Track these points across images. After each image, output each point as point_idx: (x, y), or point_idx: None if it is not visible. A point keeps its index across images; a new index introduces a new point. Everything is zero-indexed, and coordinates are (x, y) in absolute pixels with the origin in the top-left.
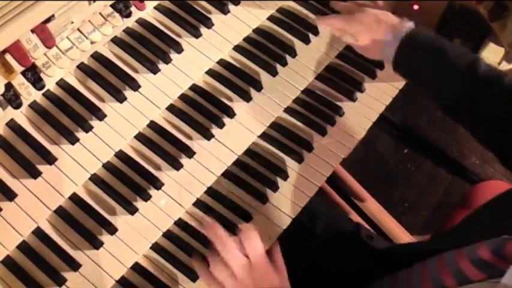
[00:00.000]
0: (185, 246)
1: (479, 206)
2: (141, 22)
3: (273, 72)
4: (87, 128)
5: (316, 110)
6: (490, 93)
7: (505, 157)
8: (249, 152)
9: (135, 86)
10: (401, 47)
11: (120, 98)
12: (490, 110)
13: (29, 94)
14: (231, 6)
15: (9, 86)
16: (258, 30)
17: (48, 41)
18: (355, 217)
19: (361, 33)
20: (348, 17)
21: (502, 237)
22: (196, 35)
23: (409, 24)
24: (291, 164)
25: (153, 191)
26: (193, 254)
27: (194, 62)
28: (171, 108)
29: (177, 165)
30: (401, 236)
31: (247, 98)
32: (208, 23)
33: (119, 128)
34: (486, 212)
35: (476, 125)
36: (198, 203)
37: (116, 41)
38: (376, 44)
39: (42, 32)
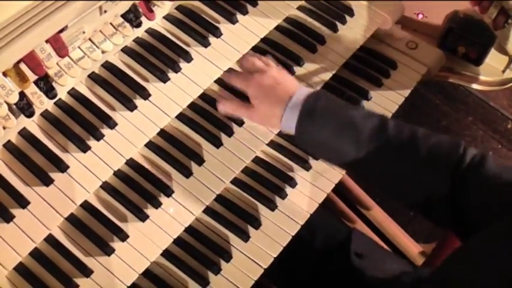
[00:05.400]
0: (195, 252)
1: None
2: (151, 32)
3: None
4: (99, 136)
5: None
6: (402, 153)
7: (431, 215)
8: (257, 159)
9: (145, 94)
10: (301, 119)
11: (131, 107)
12: (405, 169)
13: (41, 103)
14: (239, 16)
15: (22, 95)
16: (265, 40)
17: (61, 50)
18: (360, 225)
19: (258, 97)
20: (247, 77)
21: None
22: (205, 44)
23: (306, 91)
24: (299, 171)
25: (163, 199)
26: None
27: (203, 70)
28: (181, 117)
29: (187, 173)
30: (408, 244)
31: None
32: (217, 33)
33: (129, 136)
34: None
35: (392, 186)
36: (208, 210)
37: (126, 50)
38: (273, 113)
39: (56, 42)
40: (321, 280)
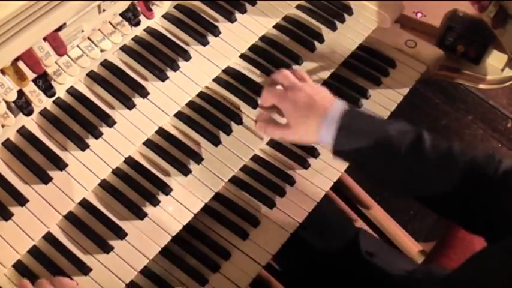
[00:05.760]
0: (194, 251)
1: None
2: (150, 30)
3: None
4: (97, 135)
5: None
6: (441, 168)
7: (468, 224)
8: (256, 157)
9: (144, 93)
10: (339, 134)
11: (129, 105)
12: (445, 184)
13: (40, 101)
14: (238, 15)
15: (20, 94)
16: (264, 39)
17: (59, 49)
18: (360, 224)
19: (294, 115)
20: (281, 93)
21: None
22: (204, 43)
23: (342, 106)
24: (297, 170)
25: (162, 197)
26: None
27: (202, 69)
28: (179, 115)
29: (185, 171)
30: (408, 243)
31: (254, 105)
32: (216, 31)
33: (128, 134)
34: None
35: (428, 199)
36: (207, 208)
37: (125, 49)
38: (309, 128)
39: (54, 40)
40: (329, 279)
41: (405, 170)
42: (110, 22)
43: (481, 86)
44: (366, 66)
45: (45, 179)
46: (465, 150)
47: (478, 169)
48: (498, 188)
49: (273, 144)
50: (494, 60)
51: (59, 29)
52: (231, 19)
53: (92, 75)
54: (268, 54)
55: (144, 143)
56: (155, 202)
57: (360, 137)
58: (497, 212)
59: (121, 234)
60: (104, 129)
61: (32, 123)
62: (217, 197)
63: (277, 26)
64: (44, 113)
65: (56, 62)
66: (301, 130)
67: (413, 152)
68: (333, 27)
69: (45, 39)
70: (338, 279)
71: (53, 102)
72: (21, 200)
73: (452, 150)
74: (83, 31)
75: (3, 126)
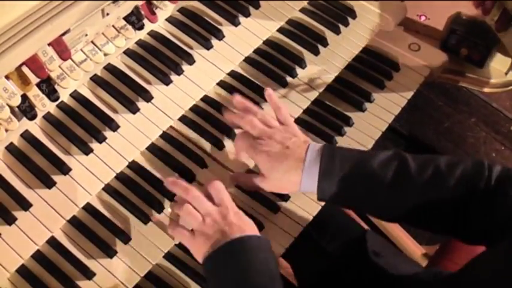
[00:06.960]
0: None
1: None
2: (153, 34)
3: (283, 84)
4: (101, 139)
5: (326, 120)
6: (431, 191)
7: (464, 236)
8: None
9: (147, 97)
10: (322, 184)
11: (133, 109)
12: (439, 203)
13: (44, 105)
14: (241, 18)
15: (24, 98)
16: (268, 42)
17: (63, 53)
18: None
19: (270, 167)
20: (254, 145)
21: None
22: (208, 46)
23: (317, 149)
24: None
25: (166, 202)
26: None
27: (206, 73)
28: (183, 119)
29: (189, 176)
30: (411, 246)
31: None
32: (220, 35)
33: (131, 138)
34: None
35: (423, 220)
36: None
37: (128, 53)
38: (288, 180)
39: (58, 45)
40: (336, 280)
41: (396, 200)
42: (113, 26)
43: (485, 89)
44: (370, 69)
45: (49, 184)
46: (453, 165)
47: (470, 182)
48: (493, 196)
49: None
50: (498, 63)
51: (63, 33)
52: (235, 22)
53: (95, 79)
54: (272, 58)
55: (148, 148)
56: (159, 207)
57: (344, 180)
58: (494, 219)
59: (125, 238)
60: (108, 133)
61: (35, 127)
62: None
63: (281, 30)
64: (48, 117)
65: (59, 66)
66: (280, 182)
67: (401, 181)
68: (337, 31)
69: (49, 43)
70: (345, 279)
71: (57, 106)
72: (25, 205)
73: (440, 169)
74: (86, 35)
75: (6, 130)
